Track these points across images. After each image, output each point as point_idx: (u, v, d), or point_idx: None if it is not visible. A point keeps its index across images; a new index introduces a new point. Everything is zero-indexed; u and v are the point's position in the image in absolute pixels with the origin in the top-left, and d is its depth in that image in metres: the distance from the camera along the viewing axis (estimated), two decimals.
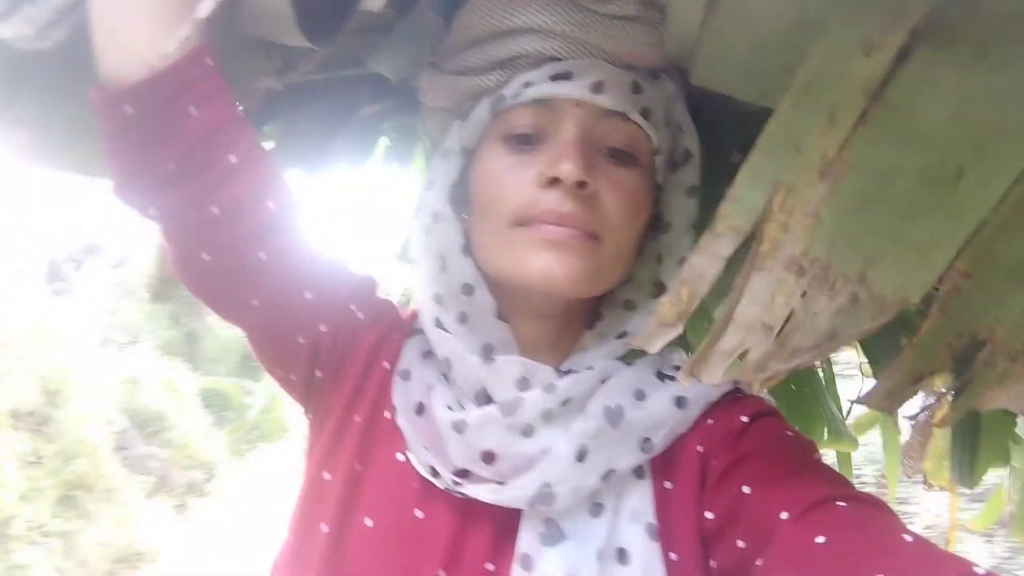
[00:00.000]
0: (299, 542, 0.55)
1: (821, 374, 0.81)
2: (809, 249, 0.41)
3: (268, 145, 0.89)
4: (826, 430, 0.73)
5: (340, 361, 0.59)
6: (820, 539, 0.42)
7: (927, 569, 0.37)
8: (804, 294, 0.41)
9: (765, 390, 0.50)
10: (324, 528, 0.53)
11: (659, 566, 0.49)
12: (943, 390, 0.49)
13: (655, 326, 0.48)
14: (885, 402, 0.45)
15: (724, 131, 0.63)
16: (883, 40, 0.37)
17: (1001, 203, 0.36)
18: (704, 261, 0.46)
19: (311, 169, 0.88)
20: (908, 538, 0.40)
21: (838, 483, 0.48)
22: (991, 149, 0.35)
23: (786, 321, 0.42)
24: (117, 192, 0.53)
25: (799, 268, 0.41)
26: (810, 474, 0.48)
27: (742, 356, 0.44)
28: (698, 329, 0.68)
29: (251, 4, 0.57)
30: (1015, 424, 0.69)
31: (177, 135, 0.50)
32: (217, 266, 0.54)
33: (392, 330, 0.61)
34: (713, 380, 0.46)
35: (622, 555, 0.49)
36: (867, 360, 0.69)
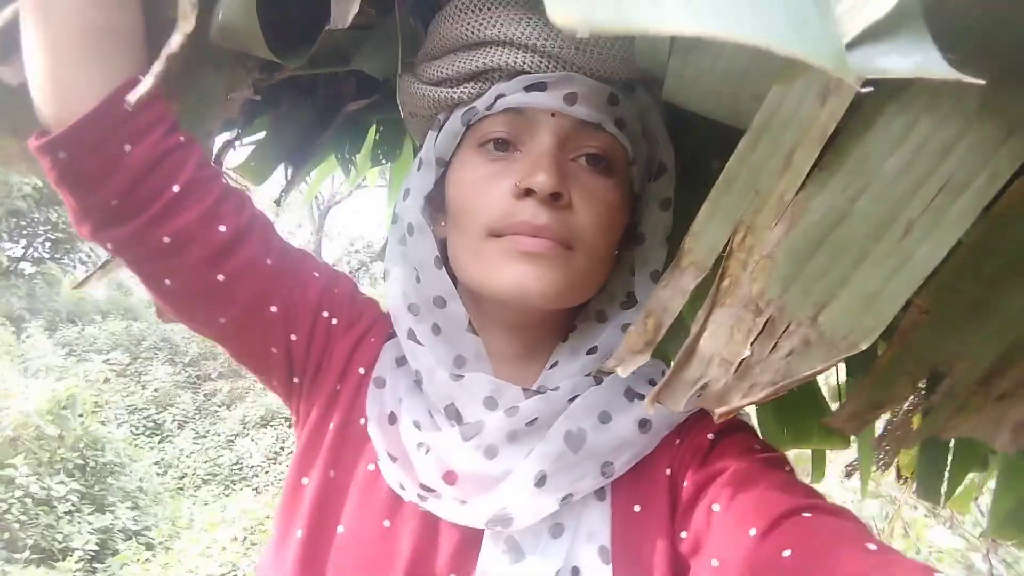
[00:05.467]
0: (279, 545, 0.56)
1: None
2: (765, 290, 0.41)
3: (259, 136, 0.90)
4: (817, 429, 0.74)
5: (316, 367, 0.60)
6: (786, 552, 0.43)
7: None
8: (761, 332, 0.42)
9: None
10: (299, 533, 0.55)
11: None
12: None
13: (625, 351, 0.50)
14: (848, 425, 0.46)
15: (704, 139, 0.63)
16: (837, 88, 0.36)
17: (956, 246, 0.37)
18: (668, 294, 0.47)
19: (299, 163, 0.89)
20: (872, 546, 0.42)
21: (805, 494, 0.49)
22: (939, 204, 0.35)
23: (745, 356, 0.43)
24: (75, 228, 0.54)
25: (756, 307, 0.42)
26: (777, 488, 0.49)
27: (704, 387, 0.46)
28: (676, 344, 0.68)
29: (219, 21, 0.57)
30: None
31: (114, 174, 0.51)
32: (180, 290, 0.56)
33: (369, 333, 0.62)
34: (677, 408, 0.47)
35: (576, 574, 0.51)
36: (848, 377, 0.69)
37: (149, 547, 4.56)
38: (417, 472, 0.54)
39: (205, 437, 6.66)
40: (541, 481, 0.52)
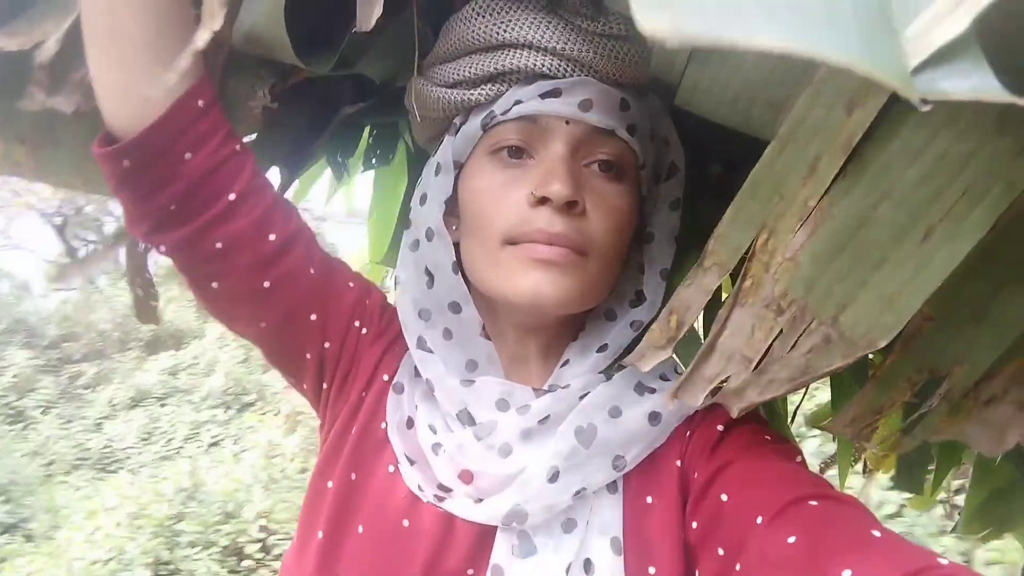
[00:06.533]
0: (300, 546, 0.57)
1: None
2: (788, 290, 0.43)
3: (249, 139, 0.88)
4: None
5: (345, 375, 0.62)
6: (791, 539, 0.43)
7: (893, 562, 0.39)
8: (782, 331, 0.44)
9: None
10: (320, 534, 0.56)
11: None
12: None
13: (646, 347, 0.51)
14: (848, 429, 0.48)
15: (707, 144, 0.65)
16: (864, 99, 0.39)
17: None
18: (691, 293, 0.48)
19: (292, 168, 0.88)
20: (877, 533, 0.42)
21: (812, 483, 0.49)
22: (957, 212, 0.37)
23: (764, 354, 0.45)
24: (129, 230, 0.56)
25: (778, 307, 0.44)
26: (785, 478, 0.49)
27: (723, 383, 0.48)
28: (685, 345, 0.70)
29: (245, 27, 0.57)
30: None
31: (174, 181, 0.52)
32: (225, 293, 0.57)
33: (395, 343, 0.63)
34: (695, 403, 0.49)
35: (588, 566, 0.52)
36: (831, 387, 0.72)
37: (29, 539, 4.35)
38: (435, 472, 0.55)
39: (72, 422, 6.39)
40: (554, 477, 0.52)
